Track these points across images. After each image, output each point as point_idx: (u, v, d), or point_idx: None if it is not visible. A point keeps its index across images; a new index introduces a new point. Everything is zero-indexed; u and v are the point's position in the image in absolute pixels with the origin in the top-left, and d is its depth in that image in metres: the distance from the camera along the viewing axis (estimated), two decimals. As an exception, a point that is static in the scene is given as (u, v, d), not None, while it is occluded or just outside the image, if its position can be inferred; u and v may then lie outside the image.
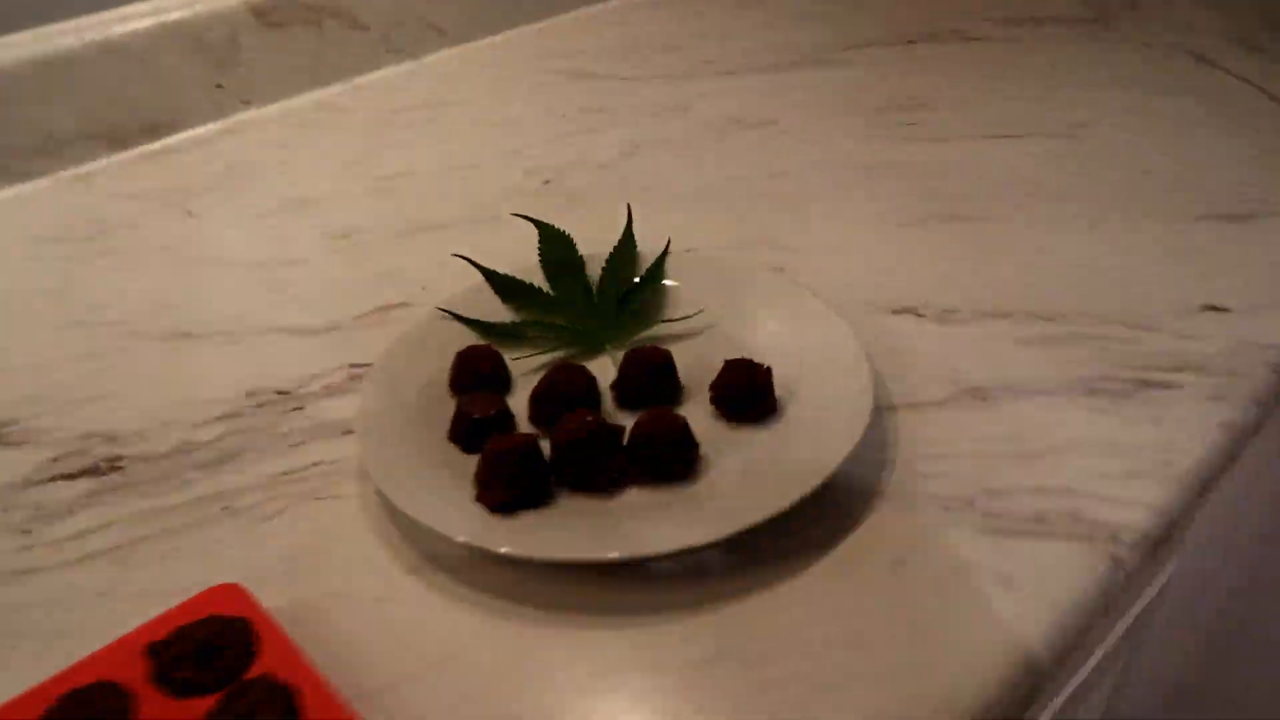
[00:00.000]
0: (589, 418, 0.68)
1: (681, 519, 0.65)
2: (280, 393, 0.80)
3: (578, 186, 1.06)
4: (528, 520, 0.65)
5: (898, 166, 1.05)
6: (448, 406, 0.73)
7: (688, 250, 0.88)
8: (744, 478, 0.68)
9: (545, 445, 0.69)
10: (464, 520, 0.65)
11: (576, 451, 0.67)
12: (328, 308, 0.89)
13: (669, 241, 0.88)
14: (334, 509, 0.69)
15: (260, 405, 0.78)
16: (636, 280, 0.85)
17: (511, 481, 0.66)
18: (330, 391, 0.80)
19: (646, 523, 0.65)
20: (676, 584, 0.63)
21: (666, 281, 0.85)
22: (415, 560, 0.65)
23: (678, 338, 0.81)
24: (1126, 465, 0.69)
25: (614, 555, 0.62)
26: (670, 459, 0.68)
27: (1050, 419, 0.73)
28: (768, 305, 0.81)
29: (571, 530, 0.64)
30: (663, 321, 0.82)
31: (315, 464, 0.73)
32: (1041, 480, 0.68)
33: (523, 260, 0.86)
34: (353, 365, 0.82)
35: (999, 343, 0.81)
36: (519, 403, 0.75)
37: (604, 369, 0.78)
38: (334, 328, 0.87)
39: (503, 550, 0.62)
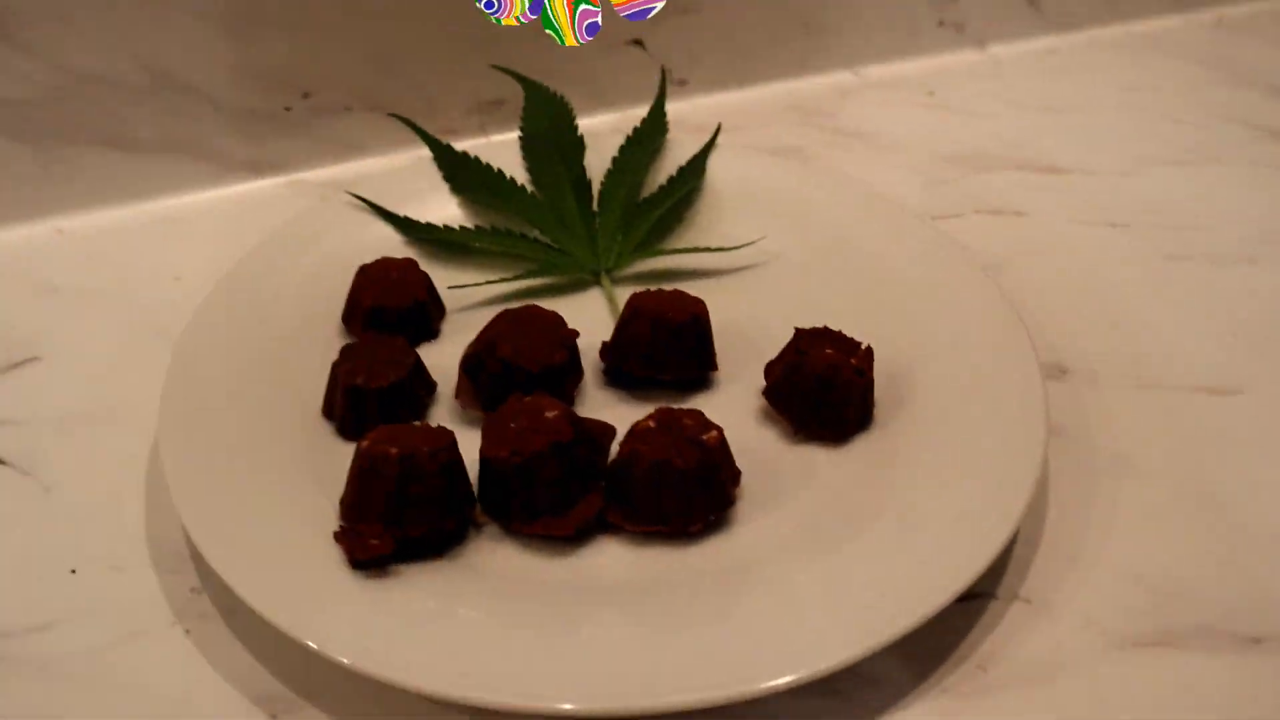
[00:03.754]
0: (550, 413, 0.39)
1: (690, 634, 0.36)
2: None
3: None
4: (414, 593, 0.36)
5: None
6: (326, 361, 0.44)
7: (746, 145, 0.58)
8: (807, 550, 0.38)
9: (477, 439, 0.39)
10: (296, 588, 0.36)
11: (521, 477, 0.38)
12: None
13: (718, 129, 0.57)
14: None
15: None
16: (663, 183, 0.54)
17: (395, 516, 0.37)
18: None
19: (628, 627, 0.36)
20: None
21: (711, 190, 0.55)
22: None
23: (716, 278, 0.51)
24: None
25: (543, 706, 0.33)
26: (682, 503, 0.38)
27: None
28: (872, 241, 0.51)
29: (480, 630, 0.36)
30: (695, 250, 0.51)
31: None
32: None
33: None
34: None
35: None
36: (446, 361, 0.45)
37: (595, 315, 0.49)
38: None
39: (344, 662, 0.33)
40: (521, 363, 0.42)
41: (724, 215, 0.54)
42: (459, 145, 0.56)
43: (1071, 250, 0.55)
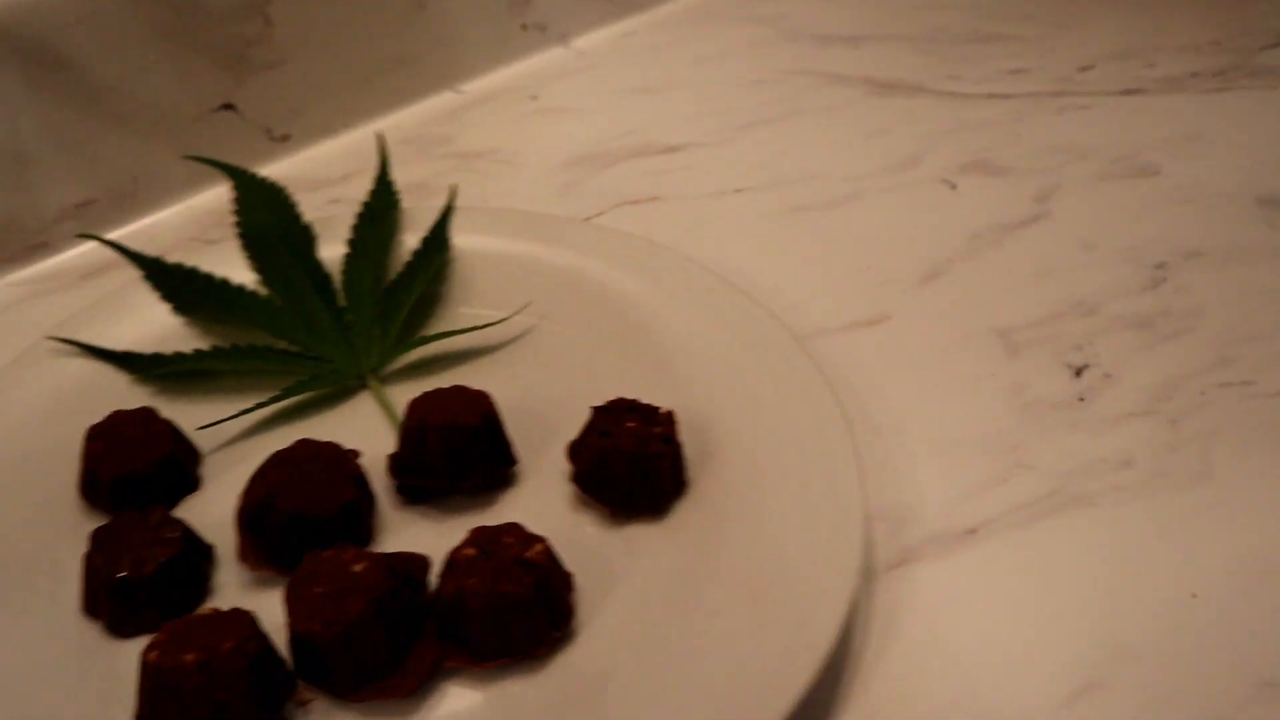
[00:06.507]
0: (357, 566, 0.35)
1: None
2: None
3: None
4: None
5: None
6: (74, 544, 0.38)
7: (482, 207, 0.55)
8: (661, 645, 0.37)
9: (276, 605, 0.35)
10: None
11: (343, 648, 0.34)
12: None
13: (453, 192, 0.54)
14: None
15: None
16: (409, 260, 0.51)
17: (210, 733, 0.32)
18: None
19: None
20: None
21: (459, 253, 0.52)
22: None
23: (490, 356, 0.48)
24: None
25: None
26: (524, 630, 0.35)
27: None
28: (638, 292, 0.50)
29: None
30: (461, 331, 0.48)
31: None
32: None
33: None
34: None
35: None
36: (216, 512, 0.40)
37: (367, 423, 0.45)
38: None
39: None
40: (310, 511, 0.37)
41: (479, 286, 0.51)
42: (59, 257, 0.54)
43: (711, 221, 0.58)
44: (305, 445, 0.40)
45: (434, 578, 0.37)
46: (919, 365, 0.49)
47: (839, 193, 0.60)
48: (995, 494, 0.43)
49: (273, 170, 0.62)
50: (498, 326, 0.49)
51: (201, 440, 0.44)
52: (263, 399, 0.45)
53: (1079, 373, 0.48)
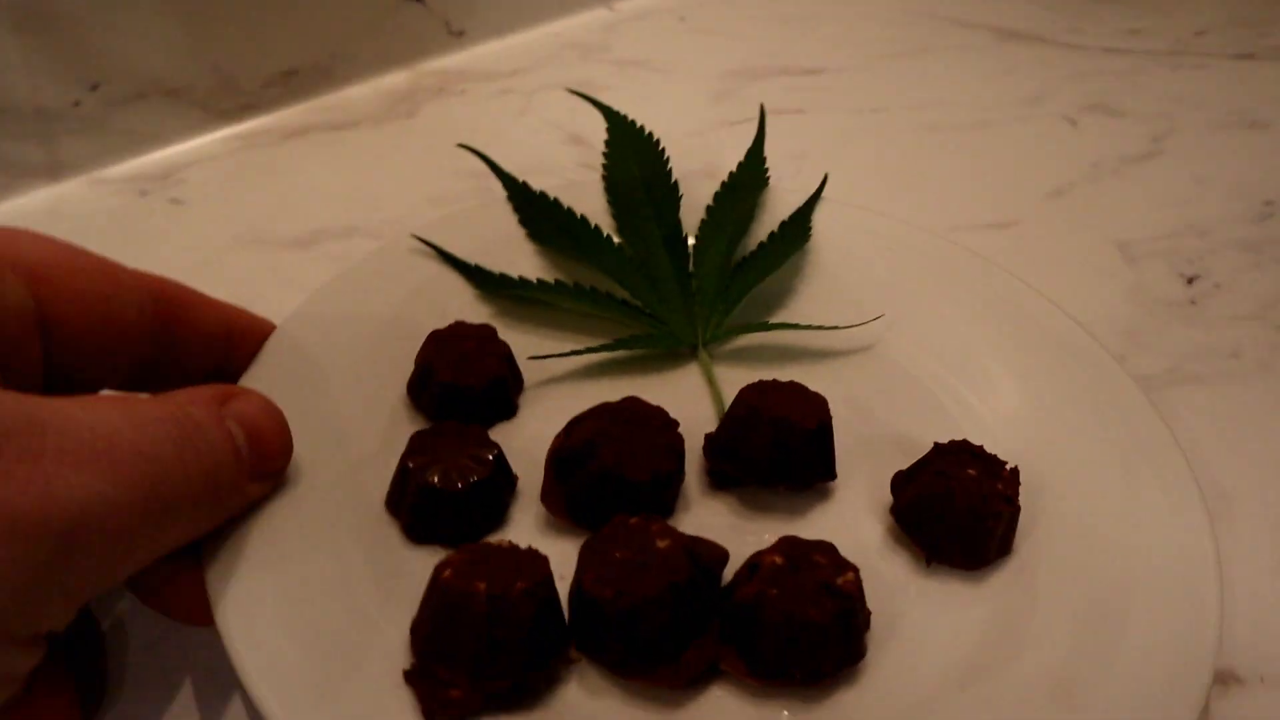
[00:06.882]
0: (663, 543, 0.33)
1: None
2: None
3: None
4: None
5: None
6: (392, 440, 0.39)
7: (850, 203, 0.52)
8: (946, 710, 0.33)
9: (570, 556, 0.34)
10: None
11: (629, 622, 0.32)
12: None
13: (825, 179, 0.52)
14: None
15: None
16: (763, 240, 0.49)
17: (481, 665, 0.31)
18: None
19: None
20: None
21: (815, 251, 0.49)
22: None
23: (824, 361, 0.46)
24: None
25: None
26: (812, 657, 0.33)
27: None
28: (1000, 327, 0.46)
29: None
30: (804, 327, 0.45)
31: None
32: None
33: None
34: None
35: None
36: (526, 446, 0.40)
37: (688, 395, 0.43)
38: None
39: None
40: (627, 473, 0.36)
41: (830, 284, 0.48)
42: (261, 120, 0.60)
43: (855, 133, 0.64)
44: (635, 403, 0.38)
45: (728, 573, 0.35)
46: (1044, 263, 0.53)
47: (969, 119, 0.65)
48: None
49: (448, 62, 0.69)
50: (841, 332, 0.46)
51: (526, 370, 0.43)
52: (593, 345, 0.44)
53: (1191, 281, 0.53)
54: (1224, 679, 0.37)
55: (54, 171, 0.56)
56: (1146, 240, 0.56)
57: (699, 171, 0.52)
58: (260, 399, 0.34)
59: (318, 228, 0.53)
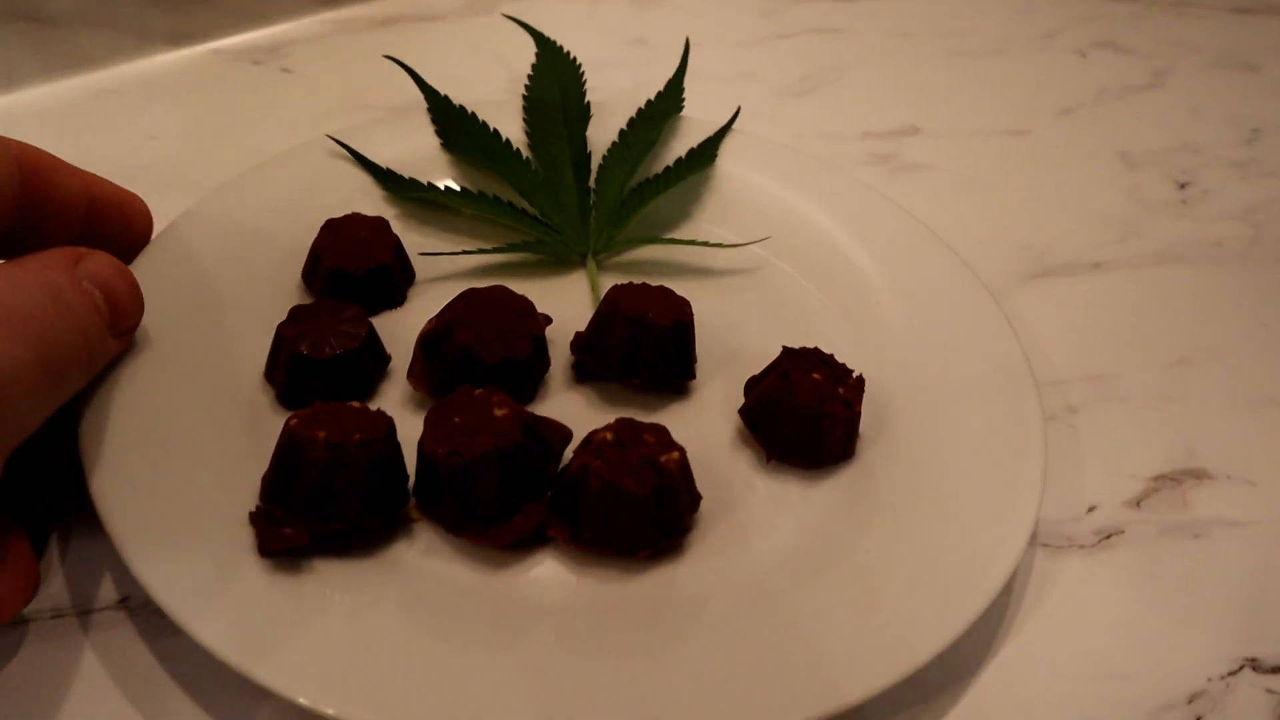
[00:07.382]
0: (500, 411, 0.36)
1: (621, 667, 0.33)
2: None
3: None
4: (324, 590, 0.33)
5: None
6: (280, 318, 0.41)
7: (757, 134, 0.54)
8: (755, 597, 0.35)
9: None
10: (195, 570, 0.33)
11: (459, 480, 0.34)
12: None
13: (737, 112, 0.54)
14: None
15: None
16: (669, 164, 0.51)
17: (315, 508, 0.34)
18: None
19: (558, 653, 0.33)
20: None
21: (715, 179, 0.51)
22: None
23: (706, 277, 0.48)
24: None
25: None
26: (632, 529, 0.35)
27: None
28: (880, 256, 0.48)
29: (390, 641, 0.32)
30: (688, 243, 0.48)
31: None
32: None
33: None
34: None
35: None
36: (406, 332, 0.42)
37: (574, 299, 0.46)
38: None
39: (229, 660, 0.30)
40: (479, 352, 0.38)
41: (724, 209, 0.50)
42: (356, 8, 0.64)
43: (887, 53, 0.69)
44: (500, 291, 0.41)
45: (570, 452, 0.37)
46: (1053, 165, 0.60)
47: (989, 46, 0.71)
48: (1113, 247, 0.55)
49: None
50: (729, 251, 0.48)
51: (421, 266, 0.46)
52: (486, 247, 0.46)
53: (1183, 186, 0.59)
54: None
55: (175, 39, 0.61)
56: (1145, 153, 0.62)
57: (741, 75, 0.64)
58: (109, 259, 0.35)
59: (411, 100, 0.54)
